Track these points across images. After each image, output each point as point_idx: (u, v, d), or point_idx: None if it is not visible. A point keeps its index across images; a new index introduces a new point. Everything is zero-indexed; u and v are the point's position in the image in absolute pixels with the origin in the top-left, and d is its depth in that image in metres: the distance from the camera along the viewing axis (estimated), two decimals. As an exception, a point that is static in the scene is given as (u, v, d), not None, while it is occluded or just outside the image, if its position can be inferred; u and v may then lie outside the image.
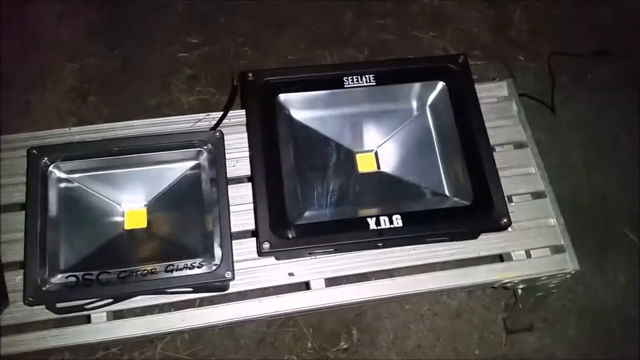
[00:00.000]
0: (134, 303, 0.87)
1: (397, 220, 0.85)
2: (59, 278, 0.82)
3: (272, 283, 0.90)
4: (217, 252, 0.83)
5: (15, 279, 0.89)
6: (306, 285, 0.92)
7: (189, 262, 0.81)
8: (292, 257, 0.91)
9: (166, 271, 0.80)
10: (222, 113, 0.97)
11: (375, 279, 0.94)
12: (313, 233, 0.85)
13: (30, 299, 0.79)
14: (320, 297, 0.90)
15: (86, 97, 1.58)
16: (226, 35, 1.69)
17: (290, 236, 0.84)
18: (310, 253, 0.90)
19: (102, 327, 0.86)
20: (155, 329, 0.88)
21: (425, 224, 0.87)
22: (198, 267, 0.81)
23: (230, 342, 1.32)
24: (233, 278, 0.82)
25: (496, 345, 1.35)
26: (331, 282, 0.94)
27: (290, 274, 0.90)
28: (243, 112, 1.01)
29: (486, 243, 0.96)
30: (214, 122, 0.99)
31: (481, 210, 0.89)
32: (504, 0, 1.79)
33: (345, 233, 0.86)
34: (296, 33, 1.71)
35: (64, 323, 0.88)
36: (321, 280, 0.91)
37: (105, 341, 0.84)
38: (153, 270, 0.81)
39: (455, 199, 0.93)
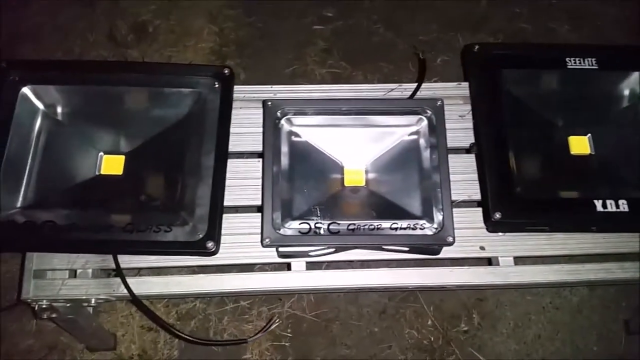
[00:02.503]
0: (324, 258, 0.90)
1: (623, 205, 0.86)
2: (292, 224, 0.87)
3: (460, 254, 0.91)
4: (437, 216, 0.86)
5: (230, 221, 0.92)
6: (489, 261, 0.94)
7: (411, 222, 0.85)
8: (510, 231, 0.92)
9: (391, 229, 0.84)
10: (416, 84, 1.00)
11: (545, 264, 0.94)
12: (543, 209, 0.87)
13: (268, 240, 0.83)
14: (508, 275, 0.91)
15: (224, 59, 1.63)
16: (360, 12, 1.71)
17: (520, 209, 0.86)
18: (527, 228, 0.91)
19: (301, 276, 0.90)
20: (349, 283, 0.91)
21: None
22: (420, 228, 0.85)
23: (354, 308, 1.37)
24: (453, 243, 0.85)
25: (615, 345, 1.35)
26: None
27: (482, 248, 0.92)
28: (432, 84, 1.04)
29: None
30: (405, 93, 1.01)
31: None
32: (647, 1, 1.75)
33: (573, 212, 0.88)
34: (429, 15, 1.71)
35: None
36: (510, 259, 0.92)
37: (303, 289, 0.88)
38: (379, 227, 0.85)
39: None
